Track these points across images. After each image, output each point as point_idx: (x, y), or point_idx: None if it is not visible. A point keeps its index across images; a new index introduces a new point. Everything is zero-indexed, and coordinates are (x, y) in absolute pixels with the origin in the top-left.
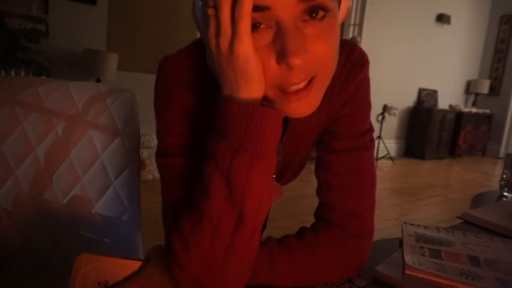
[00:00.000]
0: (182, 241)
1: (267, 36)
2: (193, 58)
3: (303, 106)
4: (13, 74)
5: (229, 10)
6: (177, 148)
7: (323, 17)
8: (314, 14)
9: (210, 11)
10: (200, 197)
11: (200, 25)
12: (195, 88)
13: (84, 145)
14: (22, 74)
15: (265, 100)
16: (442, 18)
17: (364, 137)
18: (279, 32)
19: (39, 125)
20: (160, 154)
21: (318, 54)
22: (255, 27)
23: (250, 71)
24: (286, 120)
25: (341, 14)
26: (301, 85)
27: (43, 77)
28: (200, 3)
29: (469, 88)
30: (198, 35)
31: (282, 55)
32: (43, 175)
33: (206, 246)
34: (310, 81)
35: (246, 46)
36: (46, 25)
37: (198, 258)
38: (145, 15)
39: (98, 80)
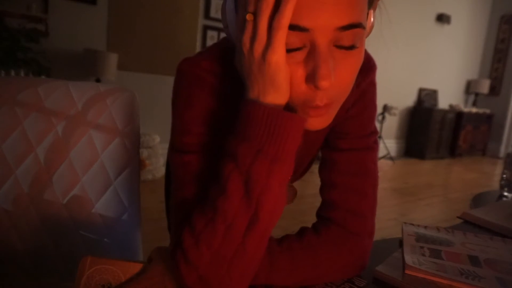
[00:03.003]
0: (193, 237)
1: (299, 55)
2: (213, 61)
3: (320, 122)
4: (13, 74)
5: (268, 19)
6: (193, 146)
7: (354, 46)
8: (347, 45)
9: (249, 17)
10: (216, 195)
11: (229, 26)
12: (215, 91)
13: (84, 145)
14: (22, 74)
15: (286, 108)
16: (442, 18)
17: (369, 138)
18: (313, 54)
19: (39, 125)
20: (175, 150)
21: (342, 79)
22: (291, 51)
23: (279, 80)
24: None
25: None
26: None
27: (43, 77)
28: (231, 5)
29: (469, 88)
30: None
31: (312, 76)
32: (43, 175)
33: (217, 244)
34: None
35: (278, 56)
36: (46, 25)
37: (208, 256)
38: (145, 15)
39: (98, 80)
